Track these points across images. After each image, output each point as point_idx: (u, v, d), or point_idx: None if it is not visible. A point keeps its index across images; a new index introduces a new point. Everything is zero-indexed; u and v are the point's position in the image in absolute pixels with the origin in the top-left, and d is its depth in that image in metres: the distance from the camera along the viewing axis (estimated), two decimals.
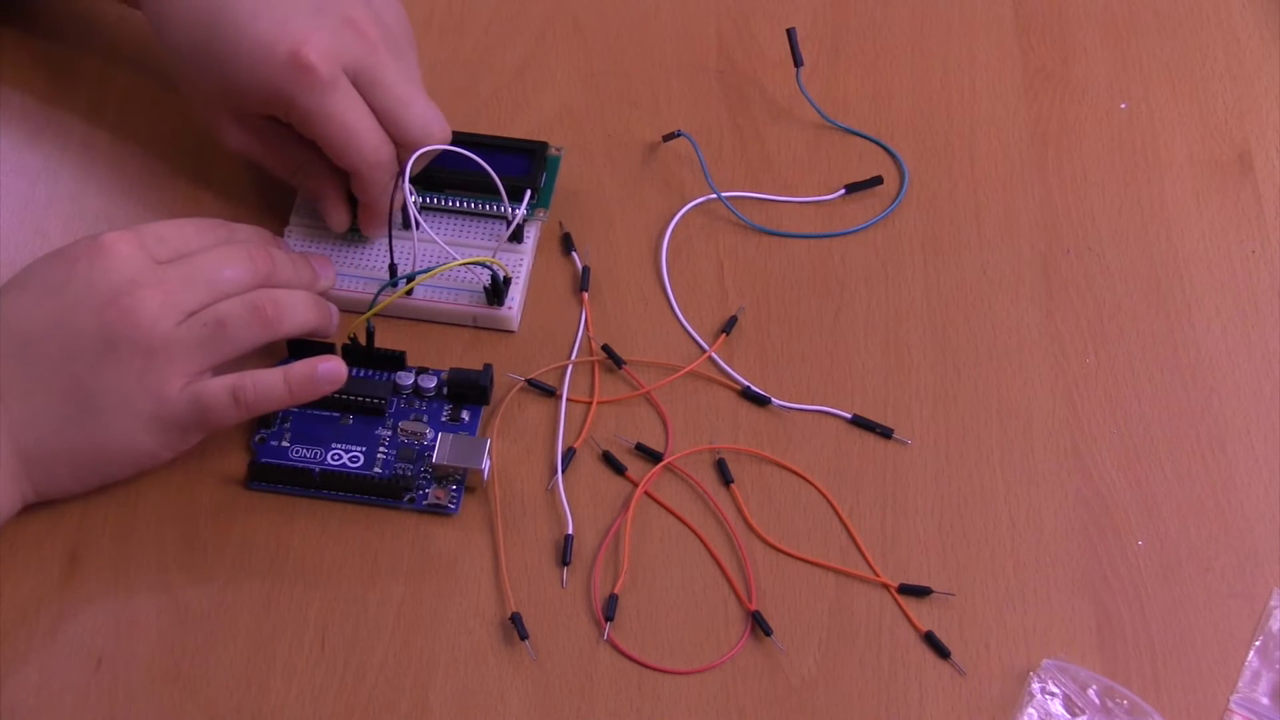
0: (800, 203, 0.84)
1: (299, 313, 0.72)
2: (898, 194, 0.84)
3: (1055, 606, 0.70)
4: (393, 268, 0.77)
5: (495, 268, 0.76)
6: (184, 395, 0.69)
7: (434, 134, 0.75)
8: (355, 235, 0.79)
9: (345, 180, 0.77)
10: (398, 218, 0.77)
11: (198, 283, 0.70)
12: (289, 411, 0.74)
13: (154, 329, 0.68)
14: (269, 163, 0.78)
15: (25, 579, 0.69)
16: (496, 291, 0.77)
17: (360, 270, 0.78)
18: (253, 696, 0.67)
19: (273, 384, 0.70)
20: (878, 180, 0.84)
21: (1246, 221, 0.83)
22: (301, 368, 0.70)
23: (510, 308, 0.77)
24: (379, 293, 0.76)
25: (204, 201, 0.81)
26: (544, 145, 0.82)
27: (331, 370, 0.71)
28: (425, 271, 0.76)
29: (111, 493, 0.71)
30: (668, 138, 0.85)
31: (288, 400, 0.70)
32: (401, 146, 0.75)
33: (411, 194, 0.76)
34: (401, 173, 0.75)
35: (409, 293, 0.77)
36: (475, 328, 0.78)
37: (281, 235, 0.79)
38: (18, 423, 0.68)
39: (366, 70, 0.74)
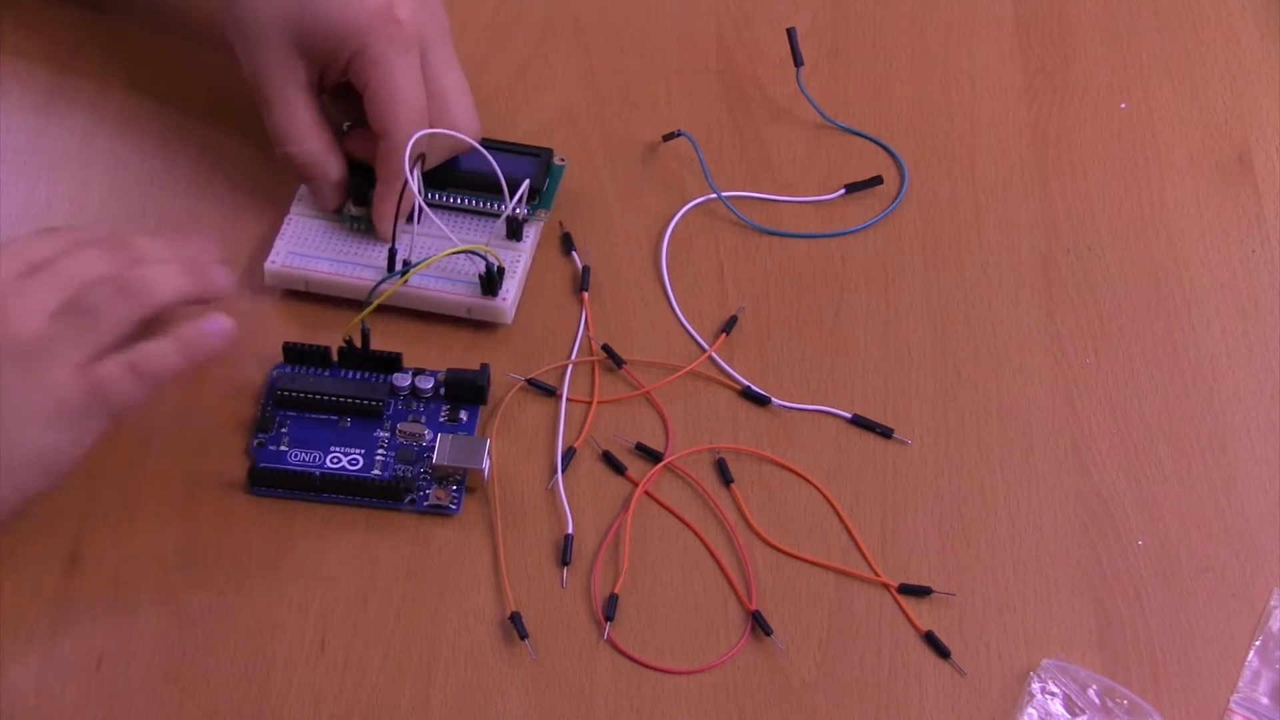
0: (800, 203, 0.84)
1: (170, 279, 0.70)
2: (898, 194, 0.84)
3: (1055, 606, 0.70)
4: (392, 253, 0.77)
5: (489, 256, 0.76)
6: (80, 382, 0.67)
7: (463, 128, 0.78)
8: (355, 225, 0.79)
9: (345, 174, 0.78)
10: (405, 215, 0.77)
11: (58, 282, 0.69)
12: (285, 415, 0.74)
13: (22, 331, 0.67)
14: (284, 112, 0.78)
15: (25, 579, 0.69)
16: (490, 281, 0.76)
17: (358, 259, 0.78)
18: (253, 696, 0.67)
19: (164, 350, 0.69)
20: (878, 180, 0.84)
21: (1246, 221, 0.83)
22: (188, 328, 0.69)
23: (504, 299, 0.77)
24: (372, 292, 0.76)
25: (205, 201, 0.81)
26: (549, 151, 0.82)
27: (218, 325, 0.69)
28: (421, 262, 0.76)
29: (112, 493, 0.71)
30: (668, 138, 0.85)
31: (182, 363, 0.69)
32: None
33: (416, 181, 0.76)
34: (411, 168, 0.75)
35: (404, 282, 0.77)
36: (470, 320, 0.77)
37: (281, 225, 0.79)
38: None
39: (432, 48, 0.77)
